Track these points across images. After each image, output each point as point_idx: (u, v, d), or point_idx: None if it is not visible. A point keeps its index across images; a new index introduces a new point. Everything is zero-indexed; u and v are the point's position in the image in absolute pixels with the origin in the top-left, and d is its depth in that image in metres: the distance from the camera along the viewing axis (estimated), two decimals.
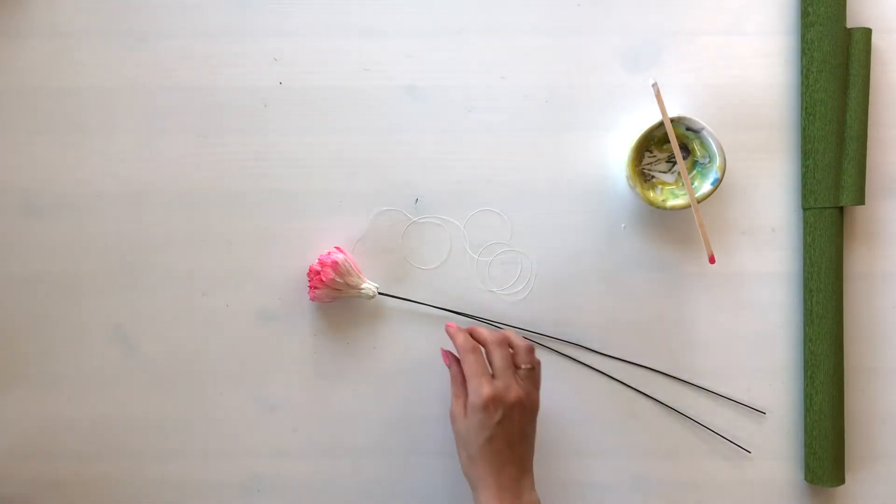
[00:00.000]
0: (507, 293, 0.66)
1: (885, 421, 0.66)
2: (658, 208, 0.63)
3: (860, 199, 0.64)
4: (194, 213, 0.65)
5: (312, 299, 0.63)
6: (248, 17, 0.65)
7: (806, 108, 0.64)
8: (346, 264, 0.63)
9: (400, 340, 0.66)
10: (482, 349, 0.59)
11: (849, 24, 0.64)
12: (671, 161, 0.65)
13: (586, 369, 0.66)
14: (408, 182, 0.66)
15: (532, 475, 0.57)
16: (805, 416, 0.65)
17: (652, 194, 0.63)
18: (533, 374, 0.58)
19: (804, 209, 0.65)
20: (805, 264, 0.65)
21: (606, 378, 0.66)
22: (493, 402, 0.55)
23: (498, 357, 0.58)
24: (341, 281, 0.62)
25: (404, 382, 0.66)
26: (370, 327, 0.66)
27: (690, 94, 0.65)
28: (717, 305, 0.66)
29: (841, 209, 0.64)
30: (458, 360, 0.59)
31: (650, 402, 0.66)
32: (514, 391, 0.56)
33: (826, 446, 0.64)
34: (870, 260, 0.66)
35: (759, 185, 0.66)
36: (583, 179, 0.66)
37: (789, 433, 0.66)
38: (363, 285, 0.64)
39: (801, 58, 0.64)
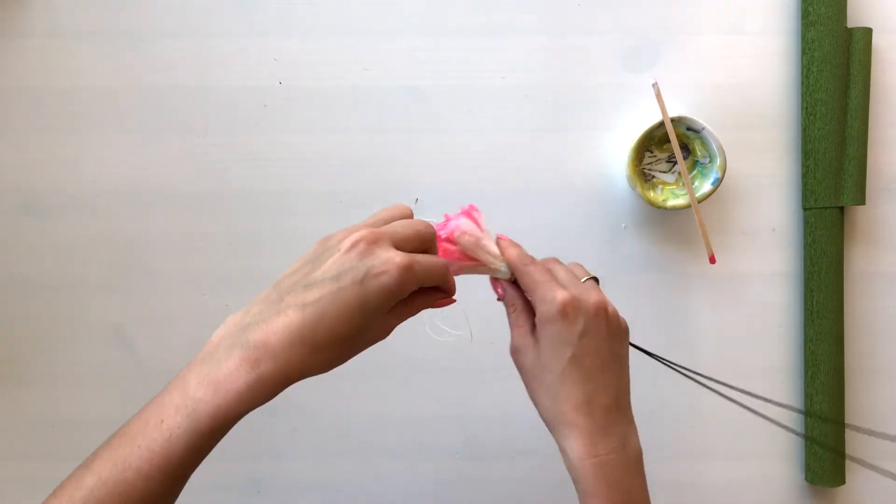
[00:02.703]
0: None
1: (885, 421, 0.66)
2: (658, 208, 0.63)
3: (860, 199, 0.64)
4: (194, 213, 0.65)
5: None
6: (248, 17, 0.65)
7: (806, 107, 0.64)
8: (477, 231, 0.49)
9: (401, 340, 0.66)
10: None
11: (849, 24, 0.64)
12: (671, 161, 0.65)
13: None
14: (408, 182, 0.66)
15: (631, 409, 0.46)
16: (805, 416, 0.65)
17: (652, 194, 0.63)
18: (597, 282, 0.48)
19: (805, 209, 0.65)
20: (805, 264, 0.65)
21: None
22: (571, 307, 0.43)
23: (560, 270, 0.47)
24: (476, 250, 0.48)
25: (405, 382, 0.66)
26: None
27: (691, 93, 0.65)
28: (718, 305, 0.66)
29: (841, 209, 0.64)
30: (512, 284, 0.48)
31: (650, 401, 0.66)
32: (594, 295, 0.45)
33: (826, 446, 0.64)
34: (870, 260, 0.66)
35: (760, 185, 0.66)
36: (583, 179, 0.65)
37: (789, 433, 0.66)
38: (494, 262, 0.49)
39: (802, 58, 0.64)
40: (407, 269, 0.38)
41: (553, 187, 0.65)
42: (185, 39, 0.65)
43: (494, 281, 0.50)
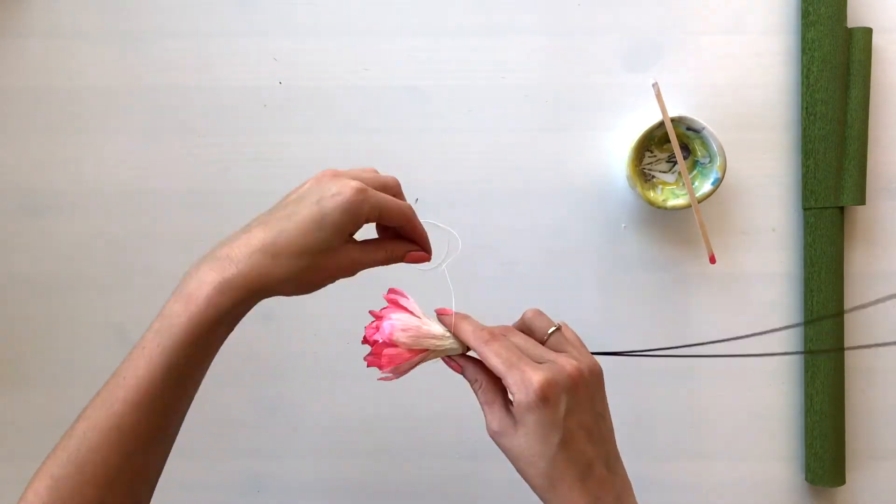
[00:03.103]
0: (507, 293, 0.66)
1: (885, 421, 0.66)
2: (658, 208, 0.63)
3: (861, 199, 0.64)
4: (194, 213, 0.65)
5: (386, 379, 0.47)
6: (248, 17, 0.65)
7: (806, 107, 0.64)
8: (413, 321, 0.46)
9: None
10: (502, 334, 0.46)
11: (849, 24, 0.64)
12: (672, 161, 0.65)
13: None
14: (408, 182, 0.65)
15: (622, 464, 0.45)
16: (805, 416, 0.65)
17: (652, 194, 0.63)
18: (563, 336, 0.46)
19: (804, 209, 0.65)
20: (805, 264, 0.65)
21: (606, 377, 0.66)
22: (550, 390, 0.41)
23: (518, 341, 0.45)
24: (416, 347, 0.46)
25: (405, 382, 0.66)
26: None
27: (691, 93, 0.65)
28: (718, 305, 0.66)
29: (841, 209, 0.64)
30: (471, 360, 0.46)
31: (650, 402, 0.66)
32: (567, 363, 0.42)
33: (826, 446, 0.64)
34: (870, 260, 0.66)
35: (760, 185, 0.66)
36: (583, 179, 0.65)
37: (789, 433, 0.66)
38: (442, 343, 0.46)
39: (802, 57, 0.64)
40: (361, 191, 0.42)
41: (553, 187, 0.65)
42: (185, 39, 0.65)
43: (448, 359, 0.47)
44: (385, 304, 0.47)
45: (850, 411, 0.66)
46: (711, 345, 0.57)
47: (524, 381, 0.41)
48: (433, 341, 0.46)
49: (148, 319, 0.67)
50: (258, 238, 0.41)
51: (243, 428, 0.67)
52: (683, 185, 0.63)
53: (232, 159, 0.65)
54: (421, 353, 0.45)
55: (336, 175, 0.43)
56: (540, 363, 0.43)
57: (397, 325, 0.45)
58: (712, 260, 0.63)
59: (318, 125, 0.65)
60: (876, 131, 0.65)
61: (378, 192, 0.43)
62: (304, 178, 0.65)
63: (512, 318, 0.66)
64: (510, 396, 0.42)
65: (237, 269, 0.40)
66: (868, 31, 0.63)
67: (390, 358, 0.45)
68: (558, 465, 0.41)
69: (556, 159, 0.65)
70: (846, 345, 0.65)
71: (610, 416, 0.45)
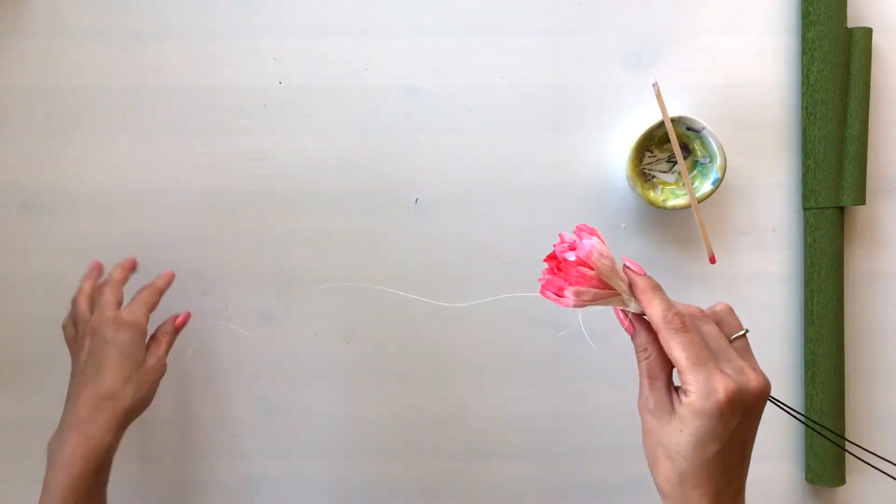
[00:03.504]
0: (507, 293, 0.66)
1: (885, 421, 0.66)
2: (658, 208, 0.63)
3: (861, 200, 0.64)
4: (194, 213, 0.65)
5: (562, 302, 0.42)
6: (248, 17, 0.65)
7: (806, 108, 0.64)
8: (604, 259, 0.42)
9: (401, 339, 0.66)
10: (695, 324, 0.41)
11: (849, 24, 0.64)
12: (672, 161, 0.65)
13: (586, 369, 0.66)
14: (408, 182, 0.66)
15: (745, 487, 0.43)
16: (806, 417, 0.65)
17: (652, 194, 0.63)
18: (746, 341, 0.43)
19: (805, 209, 0.65)
20: (805, 264, 0.65)
21: (606, 378, 0.66)
22: (732, 404, 0.38)
23: (710, 334, 0.41)
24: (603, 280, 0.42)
25: (405, 382, 0.66)
26: (371, 327, 0.66)
27: (691, 93, 0.65)
28: None
29: (841, 209, 0.64)
30: (647, 327, 0.43)
31: None
32: (755, 377, 0.39)
33: (826, 446, 0.64)
34: (870, 260, 0.66)
35: (760, 185, 0.66)
36: (583, 179, 0.65)
37: (789, 433, 0.66)
38: (625, 288, 0.43)
39: (802, 57, 0.64)
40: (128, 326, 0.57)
41: (553, 187, 0.65)
42: (185, 39, 0.65)
43: (623, 313, 0.43)
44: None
45: (850, 411, 0.66)
46: None
47: (709, 386, 0.38)
48: (622, 285, 0.42)
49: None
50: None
51: (243, 428, 0.67)
52: (683, 185, 0.63)
53: (232, 159, 0.65)
54: (609, 290, 0.41)
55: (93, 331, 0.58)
56: (725, 368, 0.39)
57: (598, 247, 0.41)
58: (712, 260, 0.63)
59: (318, 125, 0.65)
60: (876, 131, 0.65)
61: (142, 307, 0.60)
62: (304, 177, 0.66)
63: (512, 319, 0.66)
64: (683, 395, 0.39)
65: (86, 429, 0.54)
66: (868, 31, 0.63)
67: (580, 277, 0.40)
68: (702, 472, 0.39)
69: (556, 159, 0.65)
70: (846, 344, 0.65)
71: (754, 436, 0.42)
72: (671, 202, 0.63)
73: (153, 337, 0.60)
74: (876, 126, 0.65)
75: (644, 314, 0.42)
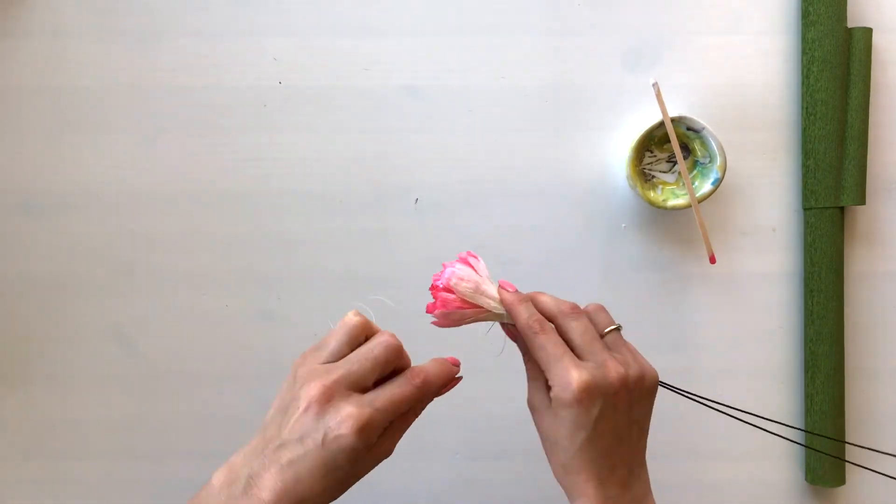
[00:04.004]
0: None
1: (885, 421, 0.66)
2: (658, 208, 0.63)
3: (861, 200, 0.64)
4: (194, 213, 0.65)
5: (436, 323, 0.48)
6: (248, 17, 0.65)
7: (806, 107, 0.64)
8: (476, 278, 0.48)
9: (401, 340, 0.66)
10: (552, 326, 0.45)
11: (849, 24, 0.64)
12: (672, 161, 0.65)
13: None
14: (408, 182, 0.66)
15: (646, 469, 0.46)
16: (805, 416, 0.65)
17: (652, 194, 0.63)
18: (621, 337, 0.46)
19: (805, 209, 0.65)
20: (805, 264, 0.65)
21: None
22: (587, 393, 0.41)
23: (577, 329, 0.44)
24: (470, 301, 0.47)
25: None
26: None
27: (691, 93, 0.65)
28: (718, 305, 0.66)
29: (841, 209, 0.64)
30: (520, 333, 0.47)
31: None
32: (614, 369, 0.42)
33: (826, 446, 0.64)
34: (870, 260, 0.66)
35: (760, 185, 0.66)
36: (583, 179, 0.65)
37: (789, 433, 0.66)
38: (498, 308, 0.48)
39: (802, 57, 0.64)
40: (364, 428, 0.39)
41: (553, 187, 0.65)
42: (185, 39, 0.65)
43: (503, 326, 0.49)
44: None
45: (850, 411, 0.66)
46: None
47: (564, 378, 0.42)
48: (489, 302, 0.47)
49: (148, 319, 0.67)
50: (272, 489, 0.39)
51: (243, 428, 0.67)
52: (683, 185, 0.63)
53: (232, 159, 0.65)
54: (474, 308, 0.47)
55: (329, 398, 0.40)
56: (586, 360, 0.43)
57: (458, 273, 0.47)
58: (712, 260, 0.63)
59: (318, 125, 0.65)
60: (876, 131, 0.65)
61: (382, 406, 0.41)
62: (304, 177, 0.66)
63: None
64: (549, 389, 0.43)
65: None
66: (868, 31, 0.63)
67: (444, 301, 0.47)
68: (579, 458, 0.42)
69: (556, 159, 0.65)
70: (846, 344, 0.65)
71: (648, 423, 0.46)
72: (671, 202, 0.63)
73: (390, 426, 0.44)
74: (876, 126, 0.65)
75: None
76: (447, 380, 0.46)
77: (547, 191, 0.65)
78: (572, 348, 0.44)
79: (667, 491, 0.67)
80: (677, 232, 0.66)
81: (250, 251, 0.65)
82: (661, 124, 0.61)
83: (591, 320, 0.46)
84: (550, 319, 0.45)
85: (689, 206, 0.62)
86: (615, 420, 0.43)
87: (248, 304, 0.66)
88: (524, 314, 0.45)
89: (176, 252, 0.65)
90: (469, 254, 0.49)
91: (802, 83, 0.64)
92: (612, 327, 0.46)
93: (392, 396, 0.42)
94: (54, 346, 0.66)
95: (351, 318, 0.45)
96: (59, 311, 0.66)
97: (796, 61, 0.65)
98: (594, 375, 0.42)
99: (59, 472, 0.67)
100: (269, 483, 0.40)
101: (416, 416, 0.46)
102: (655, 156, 0.65)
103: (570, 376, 0.41)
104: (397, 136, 0.65)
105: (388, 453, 0.44)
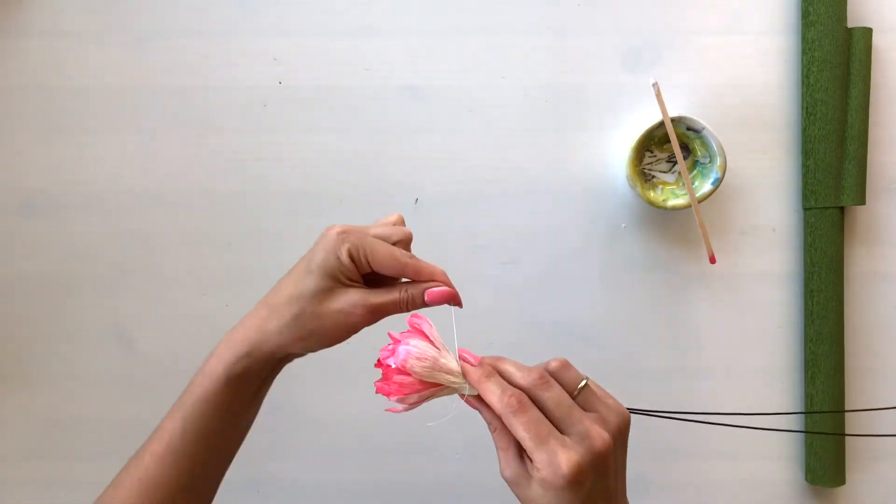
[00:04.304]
0: (507, 293, 0.66)
1: (886, 421, 0.66)
2: (658, 208, 0.63)
3: (861, 199, 0.64)
4: (194, 213, 0.65)
5: (392, 410, 0.44)
6: (248, 17, 0.65)
7: (806, 107, 0.64)
8: (432, 352, 0.43)
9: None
10: (528, 399, 0.42)
11: (849, 24, 0.64)
12: (672, 161, 0.65)
13: (585, 369, 0.66)
14: (408, 182, 0.66)
15: (626, 498, 0.44)
16: (805, 416, 0.65)
17: (652, 194, 0.63)
18: (592, 391, 0.43)
19: (805, 209, 0.65)
20: (805, 264, 0.65)
21: (606, 377, 0.66)
22: (579, 475, 0.39)
23: (552, 400, 0.42)
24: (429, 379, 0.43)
25: None
26: (371, 326, 0.66)
27: (691, 93, 0.65)
28: (718, 305, 0.66)
29: (841, 209, 0.64)
30: (484, 403, 0.43)
31: (650, 402, 0.66)
32: (599, 438, 0.40)
33: (826, 446, 0.64)
34: (870, 260, 0.66)
35: (760, 185, 0.66)
36: (583, 179, 0.65)
37: (789, 433, 0.66)
38: (459, 380, 0.43)
39: (802, 57, 0.64)
40: (342, 233, 0.43)
41: (553, 187, 0.65)
42: (185, 39, 0.65)
43: (465, 397, 0.44)
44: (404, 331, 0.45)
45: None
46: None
47: (552, 462, 0.39)
48: (449, 377, 0.43)
49: (148, 319, 0.67)
50: (262, 298, 0.45)
51: None
52: (683, 185, 0.63)
53: (232, 159, 0.65)
54: (433, 387, 0.43)
55: (332, 226, 0.45)
56: (569, 434, 0.40)
57: (413, 352, 0.42)
58: (712, 260, 0.63)
59: (318, 125, 0.65)
60: (876, 131, 0.65)
61: (367, 237, 0.44)
62: (304, 177, 0.66)
63: (512, 319, 0.66)
64: (535, 470, 0.40)
65: (240, 324, 0.45)
66: (868, 31, 0.63)
67: (400, 386, 0.42)
68: None
69: (556, 159, 0.65)
70: (846, 344, 0.65)
71: (625, 462, 0.43)
72: (671, 202, 0.63)
73: (390, 284, 0.45)
74: (876, 126, 0.65)
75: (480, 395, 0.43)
76: (442, 294, 0.45)
77: (547, 191, 0.65)
78: (550, 420, 0.41)
79: (667, 491, 0.67)
80: (677, 232, 0.66)
81: (250, 251, 0.65)
82: (661, 124, 0.61)
83: (559, 380, 0.43)
84: (519, 388, 0.42)
85: (689, 206, 0.62)
86: (605, 483, 0.40)
87: (248, 305, 0.66)
88: (496, 392, 0.42)
89: (176, 252, 0.65)
90: (417, 317, 0.44)
91: (802, 83, 0.64)
92: (582, 384, 0.43)
93: (372, 241, 0.44)
94: (54, 346, 0.66)
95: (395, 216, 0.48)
96: (59, 311, 0.66)
97: (796, 61, 0.65)
98: (582, 455, 0.39)
99: (59, 472, 0.67)
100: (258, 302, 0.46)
101: (397, 297, 0.45)
102: (655, 156, 0.65)
103: (559, 460, 0.39)
104: (397, 136, 0.65)
105: (356, 312, 0.44)
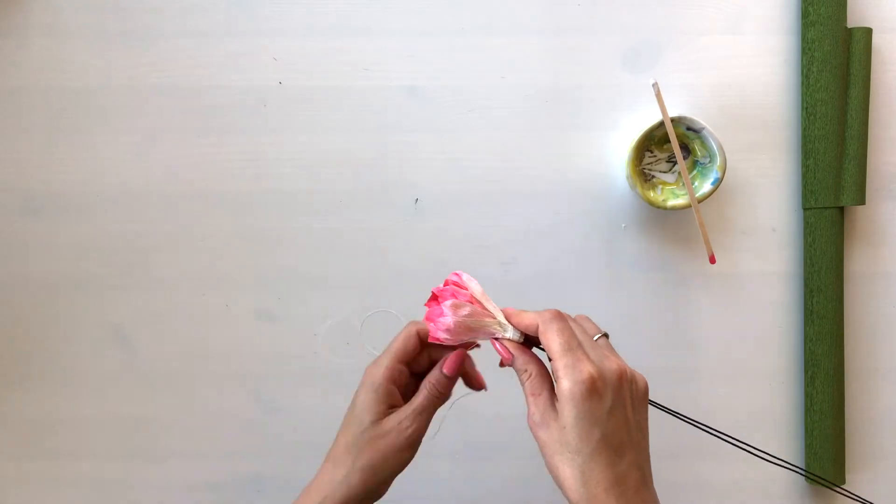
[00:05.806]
0: (507, 293, 0.66)
1: (885, 421, 0.66)
2: (658, 208, 0.63)
3: (861, 199, 0.64)
4: (194, 213, 0.65)
5: (444, 332, 0.47)
6: (248, 17, 0.65)
7: (806, 107, 0.64)
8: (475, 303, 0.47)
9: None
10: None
11: (849, 24, 0.64)
12: (671, 161, 0.65)
13: None
14: (408, 182, 0.66)
15: (654, 487, 0.45)
16: (805, 416, 0.65)
17: (652, 194, 0.63)
18: (609, 344, 0.46)
19: (804, 209, 0.65)
20: (805, 264, 0.65)
21: None
22: (599, 383, 0.41)
23: (578, 329, 0.44)
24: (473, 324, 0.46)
25: None
26: (371, 326, 0.66)
27: (690, 93, 0.65)
28: (718, 305, 0.66)
29: (841, 209, 0.64)
30: (522, 348, 0.46)
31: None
32: (616, 363, 0.43)
33: (826, 446, 0.64)
34: (870, 260, 0.66)
35: (760, 185, 0.66)
36: (583, 179, 0.65)
37: (789, 433, 0.66)
38: (501, 320, 0.47)
39: (802, 57, 0.64)
40: (369, 366, 0.49)
41: (553, 187, 0.65)
42: (185, 39, 0.65)
43: (499, 345, 0.46)
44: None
45: (850, 411, 0.66)
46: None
47: (576, 368, 0.41)
48: (490, 321, 0.46)
49: (148, 319, 0.67)
50: (326, 453, 0.50)
51: (243, 428, 0.67)
52: (683, 185, 0.63)
53: (232, 159, 0.65)
54: (485, 310, 0.46)
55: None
56: (590, 355, 0.43)
57: (464, 277, 0.48)
58: (712, 260, 0.63)
59: (318, 125, 0.65)
60: (876, 131, 0.65)
61: (388, 352, 0.48)
62: (304, 178, 0.66)
63: None
64: (557, 383, 0.42)
65: (314, 478, 0.49)
66: (868, 31, 0.63)
67: (455, 293, 0.46)
68: (596, 462, 0.41)
69: (556, 159, 0.65)
70: (846, 344, 0.65)
71: (648, 431, 0.45)
72: (671, 202, 0.63)
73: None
74: (876, 126, 0.65)
75: (519, 339, 0.46)
76: (456, 358, 0.49)
77: (547, 191, 0.65)
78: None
79: (668, 491, 0.67)
80: (677, 232, 0.66)
81: (250, 251, 0.65)
82: (661, 124, 0.61)
83: (581, 327, 0.46)
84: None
85: (689, 206, 0.62)
86: (623, 415, 0.42)
87: (248, 304, 0.66)
88: (532, 313, 0.45)
89: (176, 252, 0.65)
90: (456, 274, 0.48)
91: (802, 83, 0.64)
92: (600, 334, 0.46)
93: (398, 340, 0.48)
94: (54, 346, 0.66)
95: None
96: (60, 311, 0.66)
97: (796, 61, 0.65)
98: (600, 370, 0.41)
99: (59, 472, 0.67)
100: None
101: (426, 395, 0.48)
102: (655, 156, 0.65)
103: (582, 366, 0.41)
104: (397, 136, 0.65)
105: (403, 433, 0.47)
